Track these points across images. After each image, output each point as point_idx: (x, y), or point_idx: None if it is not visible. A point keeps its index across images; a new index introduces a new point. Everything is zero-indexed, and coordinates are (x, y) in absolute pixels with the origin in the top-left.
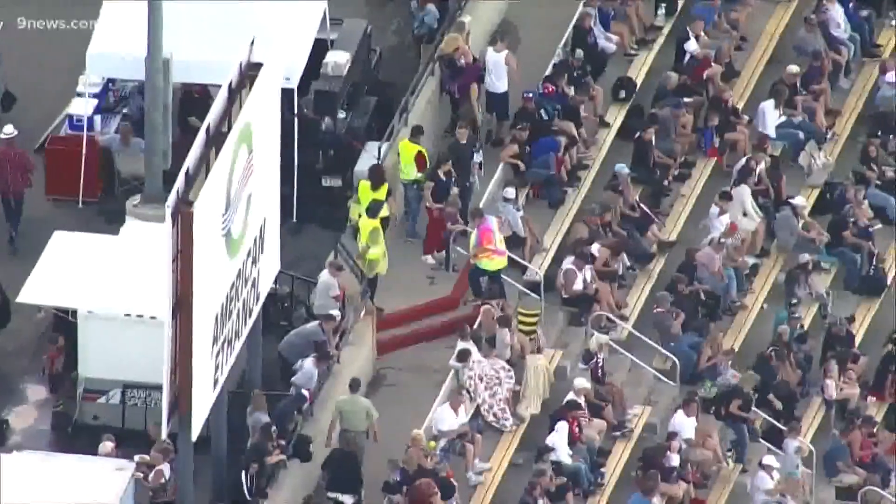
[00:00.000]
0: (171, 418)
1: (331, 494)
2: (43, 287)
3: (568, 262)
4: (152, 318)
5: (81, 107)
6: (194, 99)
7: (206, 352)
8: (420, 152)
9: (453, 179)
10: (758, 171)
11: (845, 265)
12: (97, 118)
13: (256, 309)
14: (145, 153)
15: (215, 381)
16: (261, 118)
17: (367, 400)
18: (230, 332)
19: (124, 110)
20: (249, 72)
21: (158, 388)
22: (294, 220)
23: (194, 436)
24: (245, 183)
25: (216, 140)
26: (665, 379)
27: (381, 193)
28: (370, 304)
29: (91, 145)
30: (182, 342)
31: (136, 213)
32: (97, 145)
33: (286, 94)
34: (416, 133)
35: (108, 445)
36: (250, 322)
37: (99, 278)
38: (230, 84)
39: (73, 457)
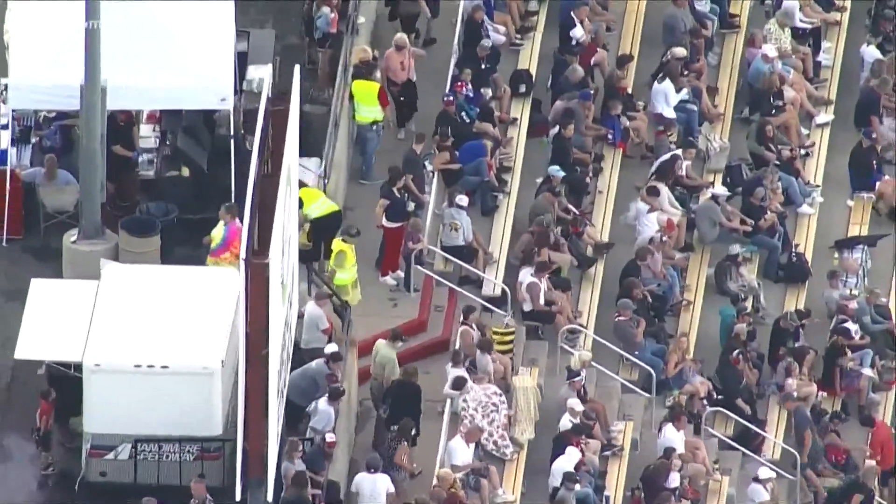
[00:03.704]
0: (245, 479)
1: (394, 427)
2: (40, 341)
3: (528, 275)
4: (163, 367)
5: None
6: (119, 126)
7: (274, 406)
8: (381, 88)
9: (407, 196)
10: (684, 164)
11: (765, 253)
12: (12, 151)
13: (290, 353)
14: (82, 186)
15: (278, 435)
16: (291, 153)
17: (392, 356)
18: (283, 382)
19: (34, 141)
20: (275, 106)
21: (170, 440)
22: None
23: (270, 495)
24: (288, 226)
25: (266, 184)
26: (639, 391)
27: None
28: (351, 335)
29: (13, 180)
30: (254, 399)
31: (73, 250)
32: (19, 180)
33: (223, 115)
34: (370, 70)
35: None
36: (289, 367)
37: (99, 328)
38: (263, 123)
39: None
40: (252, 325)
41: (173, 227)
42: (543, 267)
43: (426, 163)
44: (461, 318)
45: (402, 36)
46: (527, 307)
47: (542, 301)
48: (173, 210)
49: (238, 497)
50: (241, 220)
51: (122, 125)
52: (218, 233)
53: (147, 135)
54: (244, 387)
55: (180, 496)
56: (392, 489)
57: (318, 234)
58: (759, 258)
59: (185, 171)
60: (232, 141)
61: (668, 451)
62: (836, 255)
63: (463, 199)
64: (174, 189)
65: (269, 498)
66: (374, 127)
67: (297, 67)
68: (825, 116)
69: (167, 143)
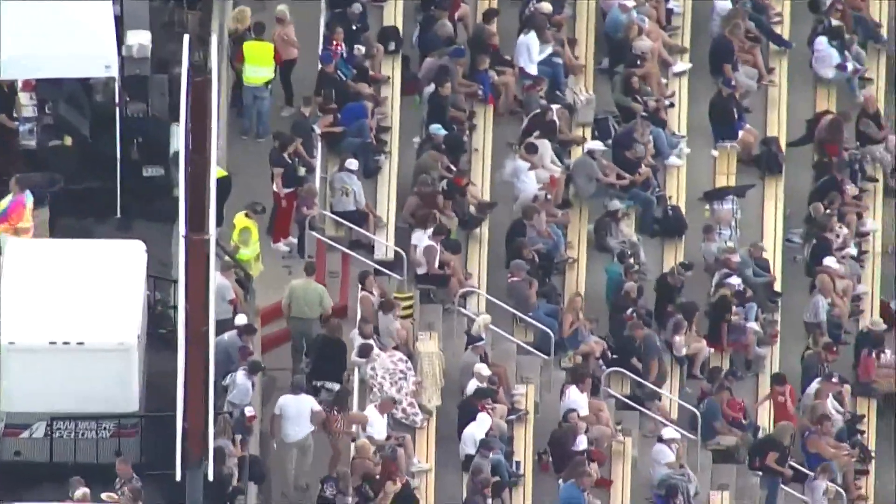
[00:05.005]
0: (185, 459)
1: (317, 383)
2: None
3: (424, 238)
4: (79, 343)
5: None
6: (3, 93)
7: (210, 384)
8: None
9: (297, 161)
10: (556, 118)
11: (640, 208)
12: None
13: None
14: None
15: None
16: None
17: (321, 286)
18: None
19: None
20: (196, 77)
21: (87, 418)
22: (119, 215)
23: (210, 474)
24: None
25: (195, 158)
26: (536, 352)
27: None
28: (255, 305)
29: None
30: (195, 377)
31: None
32: None
33: (100, 82)
34: (260, 30)
35: (82, 491)
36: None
37: (9, 305)
38: (185, 97)
39: None
40: (192, 301)
41: (59, 197)
42: (441, 230)
43: (314, 126)
44: (359, 286)
45: (282, 9)
46: (421, 270)
47: (436, 264)
48: (58, 180)
49: (178, 477)
50: (30, 194)
51: (6, 92)
52: (5, 203)
53: (26, 103)
54: (183, 365)
55: (97, 474)
56: (317, 407)
57: None
58: (635, 213)
59: (68, 141)
60: (117, 109)
61: (572, 413)
62: (707, 206)
63: (353, 163)
64: (57, 159)
65: (211, 477)
66: (269, 87)
67: (214, 37)
68: (682, 65)
69: (47, 111)
